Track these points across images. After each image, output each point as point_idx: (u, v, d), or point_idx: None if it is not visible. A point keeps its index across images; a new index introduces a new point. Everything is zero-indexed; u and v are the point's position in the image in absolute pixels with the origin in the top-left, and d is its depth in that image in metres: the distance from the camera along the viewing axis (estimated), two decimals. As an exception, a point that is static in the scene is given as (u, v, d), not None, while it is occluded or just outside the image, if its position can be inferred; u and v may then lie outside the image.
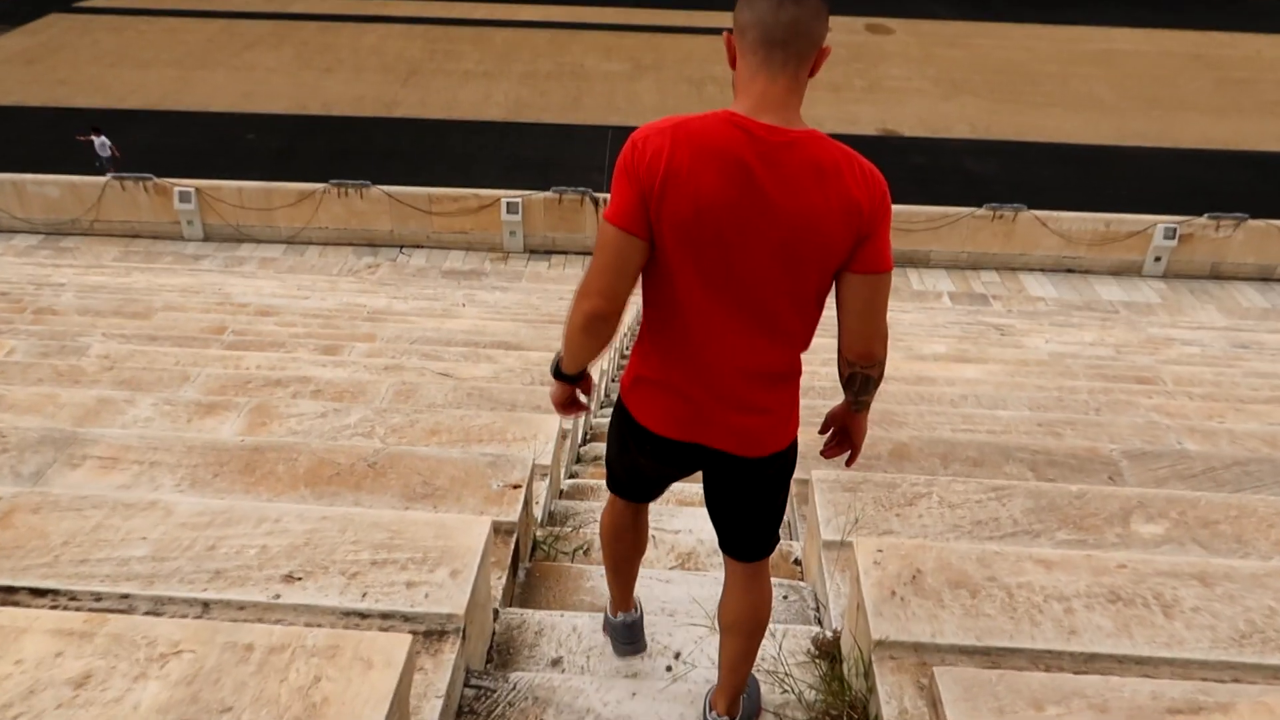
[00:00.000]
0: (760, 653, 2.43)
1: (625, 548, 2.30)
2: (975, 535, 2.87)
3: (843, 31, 28.06)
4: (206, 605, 2.15)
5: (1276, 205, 17.37)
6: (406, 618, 2.13)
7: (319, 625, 2.12)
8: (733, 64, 1.67)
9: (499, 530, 2.86)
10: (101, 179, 16.73)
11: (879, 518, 2.93)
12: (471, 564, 2.26)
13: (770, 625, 2.53)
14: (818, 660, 2.43)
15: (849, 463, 2.10)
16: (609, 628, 2.48)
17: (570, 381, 1.94)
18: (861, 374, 1.82)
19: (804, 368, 1.88)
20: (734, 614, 2.05)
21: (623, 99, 22.84)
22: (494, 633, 2.52)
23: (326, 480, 2.98)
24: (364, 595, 2.17)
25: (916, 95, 23.53)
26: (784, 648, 2.47)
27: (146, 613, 2.15)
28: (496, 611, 2.58)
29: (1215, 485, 3.65)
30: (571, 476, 4.39)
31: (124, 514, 2.41)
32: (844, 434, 2.04)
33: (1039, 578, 2.29)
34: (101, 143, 17.17)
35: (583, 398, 2.01)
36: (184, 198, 16.71)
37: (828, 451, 2.07)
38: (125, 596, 2.16)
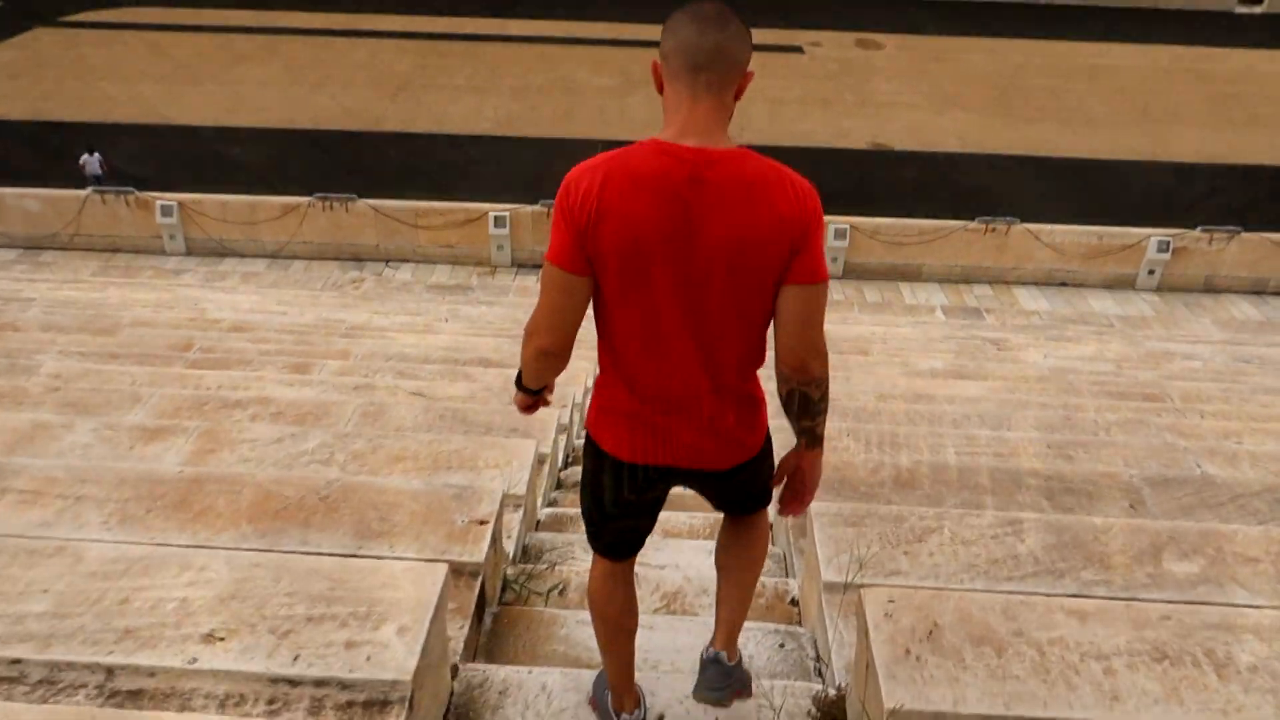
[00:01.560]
0: (755, 716, 2.15)
1: (616, 614, 2.05)
2: (993, 575, 2.59)
3: (833, 47, 27.97)
4: (110, 671, 1.85)
5: (1269, 218, 17.25)
6: (344, 685, 1.84)
7: (239, 694, 1.82)
8: (660, 89, 1.70)
9: (462, 572, 2.56)
10: (82, 192, 16.41)
11: (885, 556, 2.64)
12: (423, 619, 1.97)
13: (767, 681, 2.27)
14: (820, 725, 2.14)
15: (798, 510, 1.98)
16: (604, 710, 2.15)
17: (532, 393, 1.96)
18: (800, 390, 1.77)
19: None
20: (729, 550, 2.09)
21: (614, 113, 22.63)
22: (452, 693, 2.22)
23: (272, 515, 2.68)
24: (295, 658, 1.87)
25: (907, 109, 23.39)
26: (782, 708, 2.18)
27: (40, 680, 1.85)
28: (456, 668, 2.28)
29: (1246, 515, 3.37)
30: (550, 504, 4.09)
31: (25, 562, 2.10)
32: (797, 477, 1.92)
33: (1073, 632, 2.01)
34: (96, 160, 16.87)
35: (548, 395, 2.02)
36: (166, 212, 16.38)
37: (785, 506, 1.97)
38: (16, 662, 1.86)
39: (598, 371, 1.90)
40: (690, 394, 1.77)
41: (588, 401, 6.04)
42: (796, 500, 1.95)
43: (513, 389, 1.99)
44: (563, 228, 1.65)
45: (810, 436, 1.85)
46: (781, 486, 1.96)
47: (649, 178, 1.60)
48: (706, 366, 1.74)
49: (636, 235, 1.61)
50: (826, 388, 1.77)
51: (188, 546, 2.46)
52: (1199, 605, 2.24)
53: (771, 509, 2.11)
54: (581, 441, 5.26)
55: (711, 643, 2.12)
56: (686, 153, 1.60)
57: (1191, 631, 2.02)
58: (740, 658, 2.13)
